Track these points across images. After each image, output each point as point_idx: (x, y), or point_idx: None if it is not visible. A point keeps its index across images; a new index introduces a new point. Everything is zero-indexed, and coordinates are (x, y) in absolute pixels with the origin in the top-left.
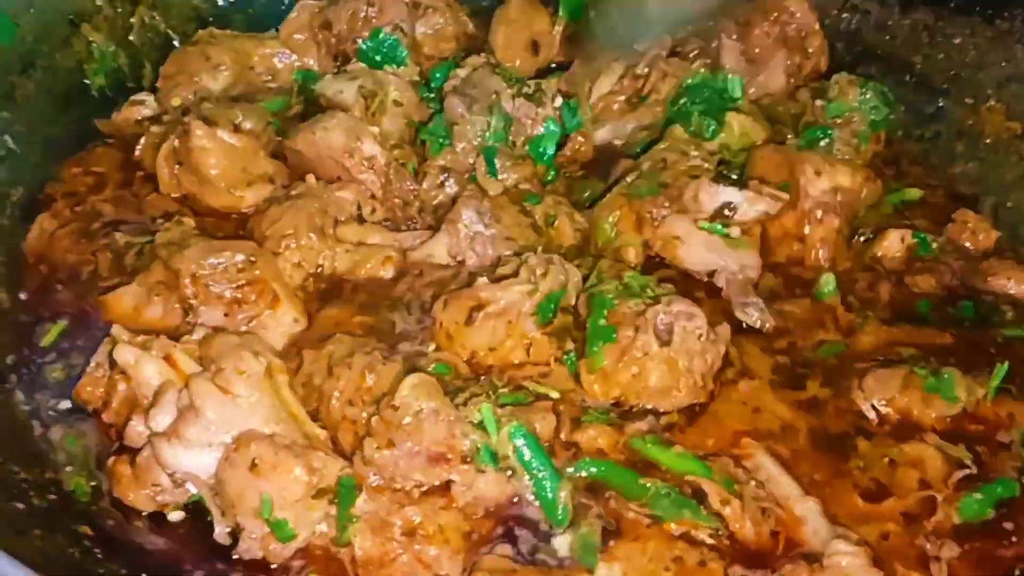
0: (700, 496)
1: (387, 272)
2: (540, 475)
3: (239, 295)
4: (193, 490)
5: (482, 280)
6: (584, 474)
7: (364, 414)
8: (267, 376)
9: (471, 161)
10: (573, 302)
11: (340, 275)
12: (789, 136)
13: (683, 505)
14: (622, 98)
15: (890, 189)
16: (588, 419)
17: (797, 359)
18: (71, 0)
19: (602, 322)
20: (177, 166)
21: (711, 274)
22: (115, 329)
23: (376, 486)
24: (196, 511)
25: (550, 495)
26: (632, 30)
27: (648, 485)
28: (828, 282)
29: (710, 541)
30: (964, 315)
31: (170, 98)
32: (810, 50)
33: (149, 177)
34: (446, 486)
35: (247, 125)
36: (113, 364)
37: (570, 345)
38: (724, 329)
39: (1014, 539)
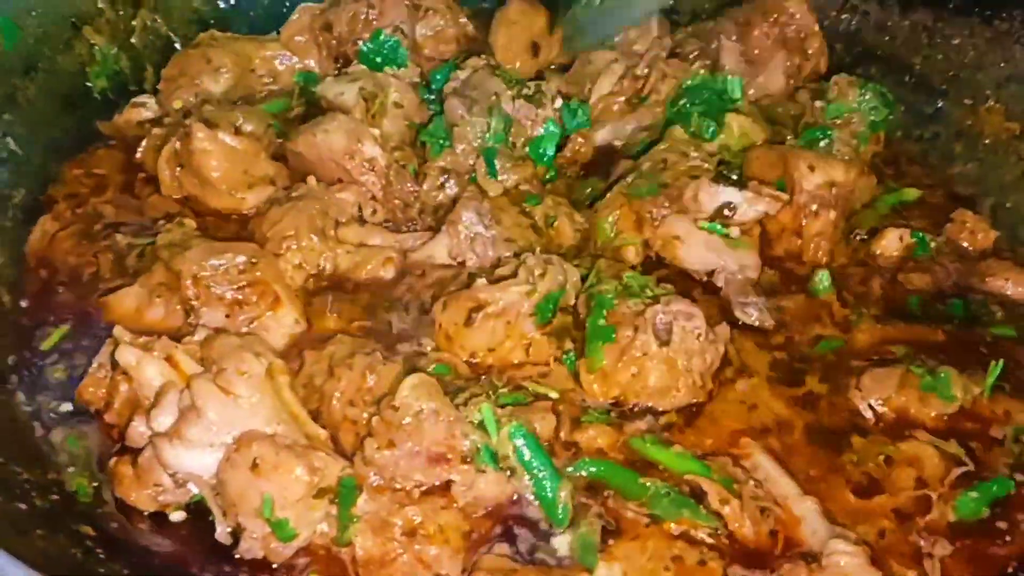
0: (699, 495)
1: (388, 273)
2: (540, 475)
3: (240, 296)
4: (195, 490)
5: (481, 281)
6: (584, 474)
7: (365, 414)
8: (268, 377)
9: (471, 162)
10: (572, 302)
11: (341, 276)
12: (789, 137)
13: (682, 504)
14: (622, 99)
15: (889, 189)
16: (588, 419)
17: (795, 355)
18: (73, 3)
19: (601, 322)
20: (178, 168)
21: (710, 274)
22: (117, 330)
23: (377, 486)
24: (198, 511)
25: (550, 495)
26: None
27: (647, 485)
28: (823, 279)
29: (709, 540)
30: (954, 312)
31: (171, 100)
32: (809, 51)
33: (150, 179)
34: (446, 486)
35: (248, 127)
36: (115, 365)
37: (569, 345)
38: (723, 329)
39: (1008, 538)
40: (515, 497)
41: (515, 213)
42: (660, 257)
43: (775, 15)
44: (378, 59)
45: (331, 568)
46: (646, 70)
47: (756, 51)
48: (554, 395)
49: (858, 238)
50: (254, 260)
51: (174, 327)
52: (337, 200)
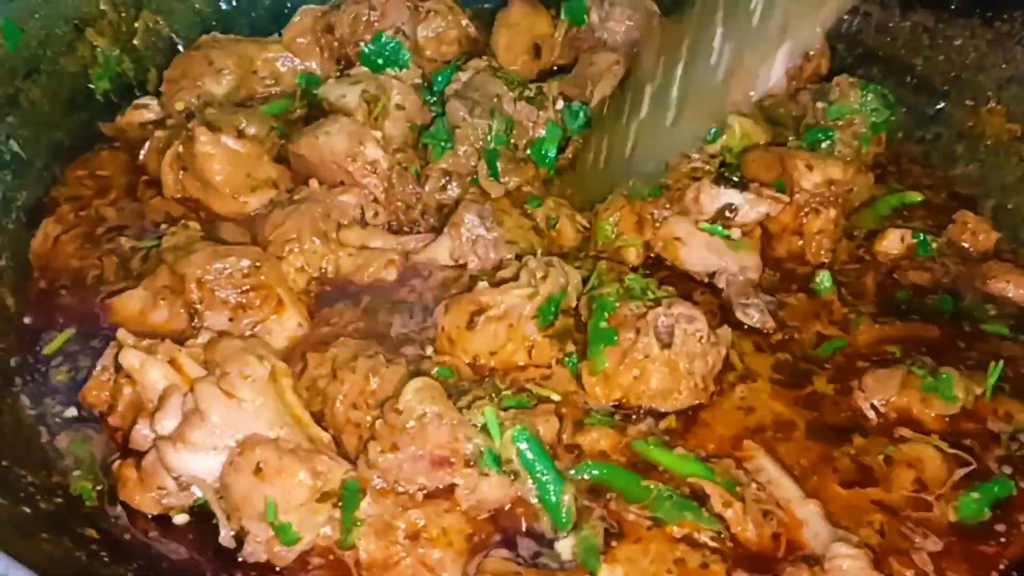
0: (701, 498)
1: (390, 275)
2: (543, 478)
3: (244, 300)
4: (198, 493)
5: (482, 284)
6: (586, 477)
7: (368, 417)
8: (271, 380)
9: (473, 164)
10: (574, 304)
11: (343, 278)
12: (791, 138)
13: (685, 508)
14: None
15: (891, 190)
16: (590, 421)
17: (799, 356)
18: (75, 5)
19: (603, 324)
20: (181, 171)
21: (712, 275)
22: (121, 333)
23: (380, 489)
24: (201, 514)
25: (553, 498)
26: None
27: (650, 487)
28: (825, 279)
29: (712, 544)
30: (943, 307)
31: (174, 102)
32: (811, 52)
33: (153, 181)
34: (450, 489)
35: (251, 130)
36: (119, 368)
37: (571, 347)
38: (725, 331)
39: (1005, 539)
40: (518, 500)
41: (517, 215)
42: (661, 258)
43: None
44: (380, 61)
45: (335, 571)
46: None
47: None
48: (556, 398)
49: (860, 238)
50: (258, 264)
51: (178, 330)
52: (339, 203)
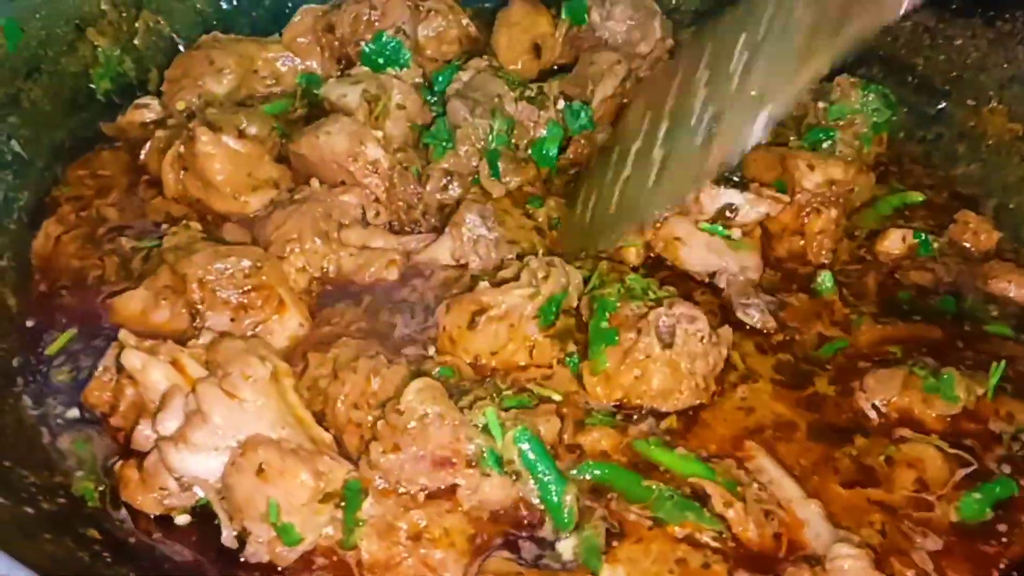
0: (703, 498)
1: (391, 275)
2: (545, 478)
3: (245, 300)
4: (200, 494)
5: (483, 284)
6: (587, 477)
7: (369, 418)
8: (273, 380)
9: (474, 164)
10: (575, 304)
11: (345, 278)
12: (792, 138)
13: (686, 508)
14: (624, 101)
15: (893, 190)
16: (592, 421)
17: (799, 357)
18: (76, 5)
19: (604, 325)
20: (182, 171)
21: (712, 275)
22: (122, 334)
23: (382, 490)
24: (203, 515)
25: (555, 498)
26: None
27: (651, 488)
28: (826, 279)
29: (714, 544)
30: (945, 308)
31: (174, 102)
32: None
33: (154, 181)
34: (451, 490)
35: (252, 130)
36: (120, 369)
37: (572, 347)
38: (726, 331)
39: (1006, 540)
40: (520, 501)
41: (519, 215)
42: (661, 258)
43: None
44: (380, 60)
45: (337, 571)
46: (649, 72)
47: None
48: (557, 398)
49: (861, 238)
50: (259, 264)
51: (179, 330)
52: (340, 203)
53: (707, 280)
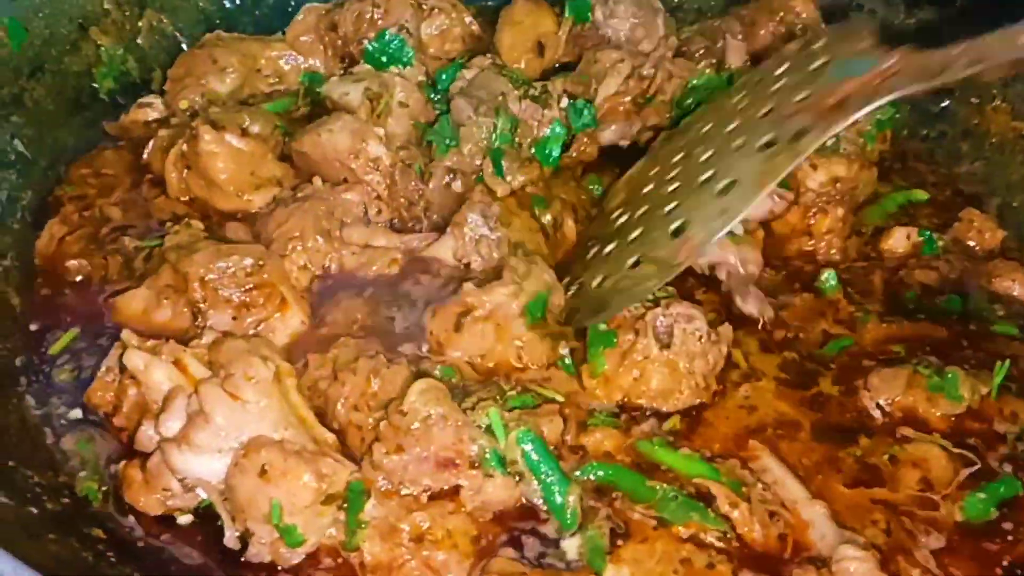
0: (707, 498)
1: (392, 274)
2: (548, 479)
3: (247, 299)
4: (203, 495)
5: (468, 285)
6: (592, 478)
7: (370, 420)
8: (276, 380)
9: (478, 162)
10: (560, 303)
11: (346, 276)
12: None
13: (691, 508)
14: (628, 99)
15: (897, 188)
16: (594, 422)
17: (804, 355)
18: (79, 4)
19: (602, 326)
20: (185, 170)
21: (712, 268)
22: (125, 334)
23: (385, 491)
24: (206, 515)
25: (559, 499)
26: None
27: (656, 488)
28: (830, 277)
29: (718, 544)
30: (951, 308)
31: (177, 100)
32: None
33: (157, 180)
34: (454, 491)
35: (255, 129)
36: (123, 369)
37: (567, 349)
38: (726, 329)
39: (1011, 538)
40: (523, 501)
41: (526, 216)
42: None
43: (781, 13)
44: (383, 58)
45: (340, 573)
46: (652, 70)
47: (762, 49)
48: (560, 399)
49: (867, 235)
50: (261, 262)
51: (182, 328)
52: (342, 201)
53: (707, 272)
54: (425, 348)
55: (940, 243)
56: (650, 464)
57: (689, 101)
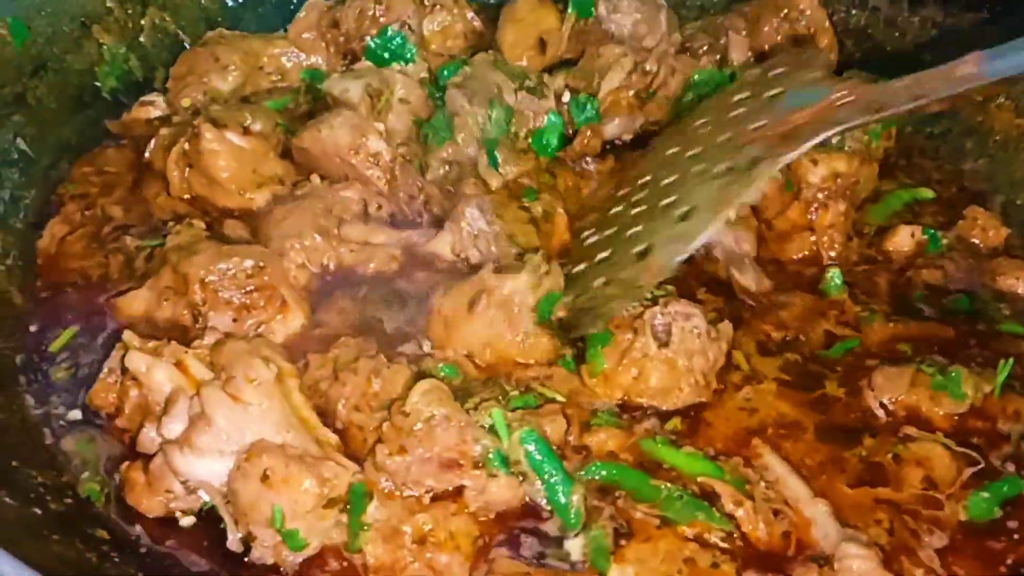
0: (711, 497)
1: (391, 271)
2: (552, 479)
3: (248, 301)
4: (206, 497)
5: (487, 269)
6: (596, 478)
7: (372, 420)
8: (277, 381)
9: (473, 153)
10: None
11: (345, 274)
12: None
13: (696, 508)
14: (631, 93)
15: (901, 185)
16: (597, 422)
17: (808, 356)
18: (82, 3)
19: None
20: (187, 169)
21: (709, 250)
22: (126, 335)
23: (387, 492)
24: (210, 515)
25: (562, 499)
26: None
27: (660, 488)
28: (835, 276)
29: (723, 544)
30: (959, 308)
31: (180, 99)
32: (819, 47)
33: (159, 178)
34: (457, 492)
35: (256, 127)
36: (125, 370)
37: (568, 350)
38: (725, 326)
39: (1016, 537)
40: (527, 501)
41: (515, 208)
42: None
43: (785, 10)
44: (386, 55)
45: (345, 574)
46: (655, 65)
47: (766, 47)
48: (561, 399)
49: (870, 235)
50: (262, 264)
51: (183, 329)
52: (340, 198)
53: (702, 252)
54: (427, 346)
55: (944, 241)
56: (653, 463)
57: (690, 96)
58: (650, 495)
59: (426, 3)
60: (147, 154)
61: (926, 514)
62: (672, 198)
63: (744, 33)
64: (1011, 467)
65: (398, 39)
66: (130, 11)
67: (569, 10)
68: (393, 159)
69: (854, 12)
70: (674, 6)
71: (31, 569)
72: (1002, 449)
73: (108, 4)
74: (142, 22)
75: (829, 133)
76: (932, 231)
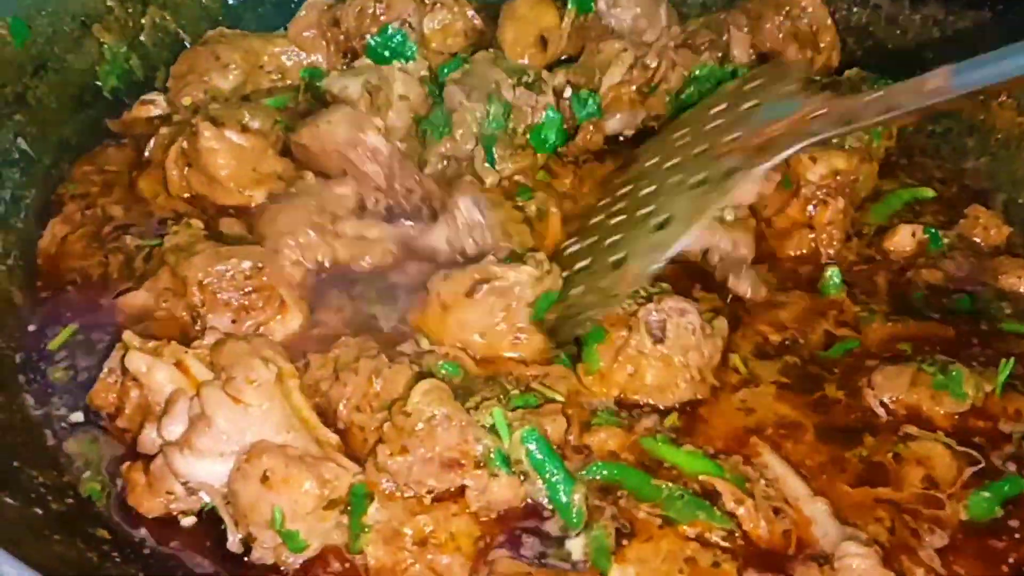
0: (712, 496)
1: (387, 264)
2: (553, 478)
3: (246, 302)
4: (207, 499)
5: (490, 258)
6: (597, 477)
7: (373, 420)
8: (278, 382)
9: (471, 148)
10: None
11: (341, 270)
12: None
13: (697, 507)
14: (632, 88)
15: (902, 185)
16: (598, 422)
17: (807, 358)
18: (82, 2)
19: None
20: (187, 167)
21: (705, 253)
22: (127, 335)
23: (388, 493)
24: (211, 516)
25: (564, 498)
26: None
27: (661, 487)
28: (834, 275)
29: (724, 543)
30: (961, 307)
31: (180, 97)
32: (821, 45)
33: (159, 177)
34: (458, 492)
35: (255, 124)
36: (125, 370)
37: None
38: (720, 323)
39: (1018, 536)
40: (528, 501)
41: (508, 207)
42: None
43: (787, 8)
44: (386, 53)
45: (348, 575)
46: (655, 60)
47: (768, 44)
48: (560, 398)
49: (870, 235)
50: (260, 265)
51: (183, 329)
52: (334, 195)
53: (700, 258)
54: (423, 342)
55: (945, 240)
56: (654, 462)
57: (690, 90)
58: (651, 494)
59: (426, 1)
60: (147, 153)
61: (927, 513)
62: (649, 208)
63: (746, 30)
64: (1012, 467)
65: (398, 37)
66: (131, 10)
67: (569, 6)
68: (391, 154)
69: (855, 10)
70: (676, 3)
71: (32, 570)
72: (1003, 449)
73: (109, 3)
74: (143, 21)
75: (802, 144)
76: (933, 230)
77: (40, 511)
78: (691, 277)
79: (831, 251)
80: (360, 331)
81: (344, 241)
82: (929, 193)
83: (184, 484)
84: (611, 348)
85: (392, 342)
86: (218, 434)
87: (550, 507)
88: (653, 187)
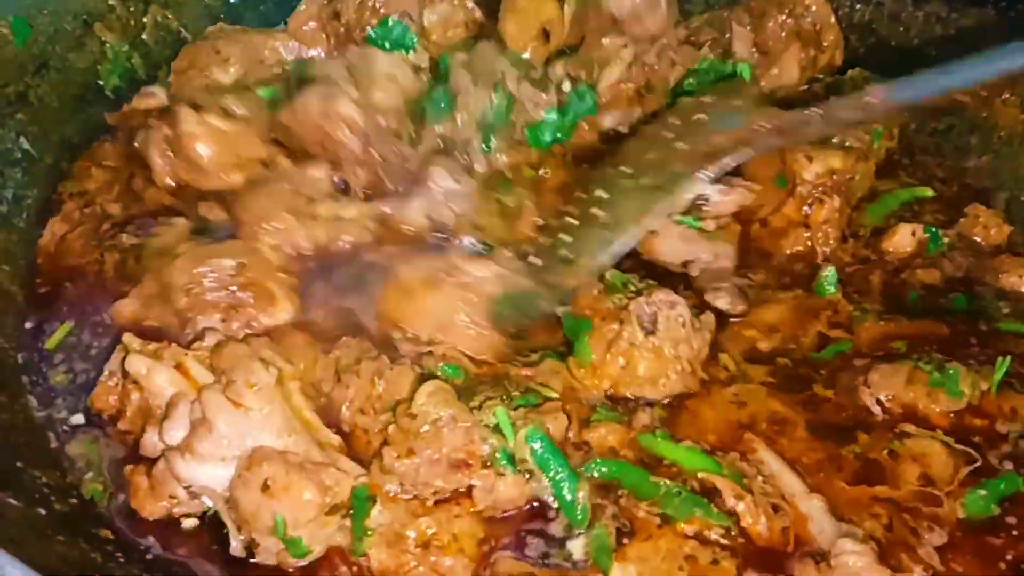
0: (710, 493)
1: (365, 242)
2: (558, 476)
3: (234, 301)
4: (209, 503)
5: (456, 253)
6: (596, 474)
7: (377, 423)
8: (278, 384)
9: (468, 134)
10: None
11: (320, 251)
12: None
13: (695, 504)
14: (631, 86)
15: (901, 184)
16: (597, 418)
17: (798, 360)
18: (83, 0)
19: (571, 317)
20: (171, 155)
21: (685, 264)
22: (127, 337)
23: (391, 496)
24: (214, 518)
25: (568, 496)
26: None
27: (659, 484)
28: (831, 275)
29: (723, 541)
30: (956, 307)
31: (181, 92)
32: (825, 43)
33: (149, 169)
34: (460, 493)
35: (239, 111)
36: (126, 373)
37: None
38: (708, 317)
39: (1015, 534)
40: (534, 499)
41: (490, 200)
42: (635, 251)
43: (790, 6)
44: (386, 45)
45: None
46: (655, 59)
47: (770, 42)
48: (555, 395)
49: (866, 236)
50: (243, 261)
51: (181, 330)
52: (308, 177)
53: (681, 270)
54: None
55: (946, 240)
56: (653, 459)
57: (690, 81)
58: (649, 492)
59: None
60: (136, 143)
61: (925, 511)
62: (599, 210)
63: (748, 28)
64: (1009, 465)
65: (398, 29)
66: (132, 9)
67: None
68: (367, 124)
69: (858, 7)
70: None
71: (34, 570)
72: (1000, 447)
73: (110, 2)
74: (144, 20)
75: (745, 153)
76: (933, 229)
77: (43, 512)
78: (674, 277)
79: (826, 250)
80: (345, 322)
81: (321, 222)
82: (928, 192)
83: (186, 488)
84: (603, 341)
85: (392, 344)
86: (219, 438)
87: (555, 506)
88: (606, 193)
